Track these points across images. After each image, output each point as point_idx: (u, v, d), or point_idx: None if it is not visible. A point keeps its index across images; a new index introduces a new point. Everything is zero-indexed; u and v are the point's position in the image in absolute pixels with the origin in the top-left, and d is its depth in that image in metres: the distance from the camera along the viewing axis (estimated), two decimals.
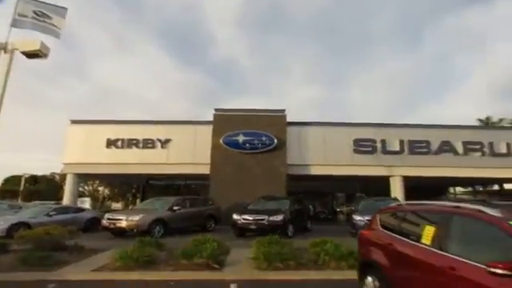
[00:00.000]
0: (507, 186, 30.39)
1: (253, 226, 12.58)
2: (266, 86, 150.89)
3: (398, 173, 19.09)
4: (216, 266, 7.23)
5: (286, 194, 17.33)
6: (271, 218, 12.45)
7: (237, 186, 17.61)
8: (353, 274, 5.51)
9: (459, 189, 32.80)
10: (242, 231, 12.88)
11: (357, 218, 12.08)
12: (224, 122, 19.04)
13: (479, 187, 32.65)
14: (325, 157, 18.29)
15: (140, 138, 19.50)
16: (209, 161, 18.56)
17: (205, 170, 18.50)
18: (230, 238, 11.72)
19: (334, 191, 26.94)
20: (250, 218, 12.75)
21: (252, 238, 9.73)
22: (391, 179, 19.34)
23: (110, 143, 19.48)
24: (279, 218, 12.53)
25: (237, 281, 6.42)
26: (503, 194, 29.49)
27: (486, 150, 19.71)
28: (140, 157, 19.20)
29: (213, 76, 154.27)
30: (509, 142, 19.87)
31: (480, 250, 3.12)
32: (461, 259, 3.13)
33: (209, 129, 18.93)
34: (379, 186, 21.55)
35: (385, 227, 4.70)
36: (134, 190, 33.95)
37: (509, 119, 36.54)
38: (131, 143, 19.45)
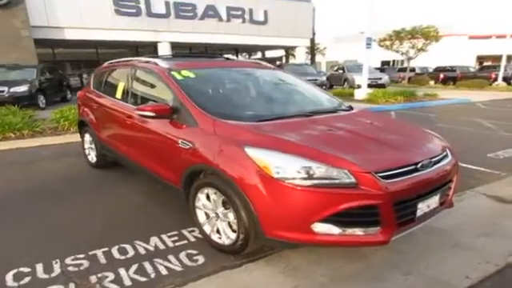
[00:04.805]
0: (268, 54, 36.68)
1: None
2: None
3: (165, 39, 19.92)
4: None
5: (41, 62, 15.80)
6: (13, 90, 11.69)
7: None
8: None
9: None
10: None
11: None
12: None
13: (246, 55, 38.14)
14: (81, 18, 16.97)
15: None
16: None
17: None
18: None
19: (104, 59, 26.03)
20: None
21: None
22: (159, 45, 20.13)
23: None
24: (23, 89, 11.90)
25: None
26: (268, 61, 35.54)
27: (247, 16, 22.61)
28: None
29: None
30: (266, 9, 23.25)
31: (149, 98, 3.75)
32: (134, 107, 3.70)
33: None
34: (150, 52, 22.28)
35: (95, 87, 5.17)
36: None
37: None
38: None
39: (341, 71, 21.50)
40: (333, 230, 2.31)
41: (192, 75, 3.52)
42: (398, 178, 2.39)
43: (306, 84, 4.36)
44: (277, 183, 2.31)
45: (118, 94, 4.29)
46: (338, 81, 21.11)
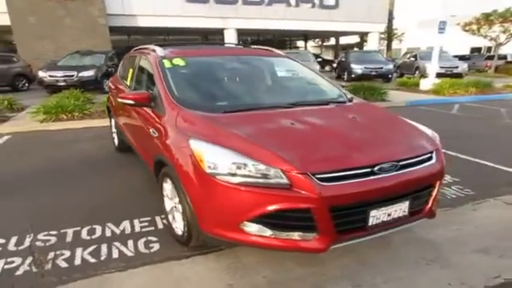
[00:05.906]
0: (343, 40, 35.32)
1: (62, 83, 12.65)
2: None
3: (232, 25, 20.18)
4: None
5: (113, 49, 17.05)
6: (81, 74, 12.75)
7: (50, 41, 16.47)
8: None
9: (301, 43, 36.63)
10: (53, 89, 12.92)
11: None
12: None
13: (319, 41, 37.11)
14: (154, 6, 17.87)
15: None
16: (5, 8, 16.15)
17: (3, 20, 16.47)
18: (39, 96, 11.84)
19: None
20: (59, 75, 12.80)
21: None
22: (226, 32, 20.45)
23: None
24: (90, 73, 12.92)
25: (12, 133, 7.07)
26: (342, 48, 34.28)
27: (316, 1, 21.92)
28: None
29: None
30: None
31: (144, 85, 3.81)
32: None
33: None
34: (219, 39, 22.78)
35: (119, 74, 5.37)
36: None
37: None
38: None
39: (413, 59, 19.96)
40: (264, 231, 2.19)
41: (182, 63, 3.52)
42: (342, 182, 2.17)
43: (311, 74, 4.11)
44: (208, 178, 2.24)
45: (128, 81, 4.47)
46: (409, 69, 19.67)
